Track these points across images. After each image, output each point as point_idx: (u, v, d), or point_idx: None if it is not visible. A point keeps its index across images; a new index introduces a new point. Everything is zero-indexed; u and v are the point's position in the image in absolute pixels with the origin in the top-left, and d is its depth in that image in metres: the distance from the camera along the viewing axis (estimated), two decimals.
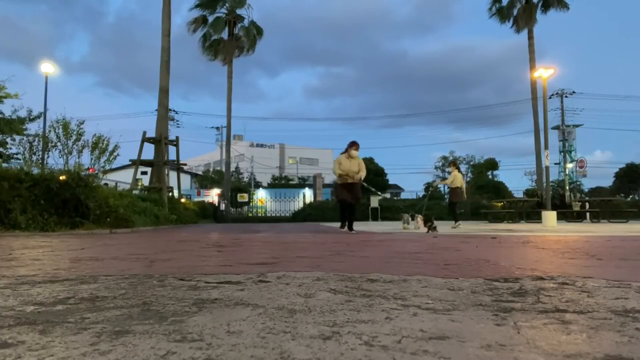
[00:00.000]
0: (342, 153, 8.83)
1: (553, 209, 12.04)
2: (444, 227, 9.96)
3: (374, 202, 23.74)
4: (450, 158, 50.37)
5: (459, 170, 11.60)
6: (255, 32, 26.88)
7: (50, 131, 12.01)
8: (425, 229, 7.93)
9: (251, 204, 29.51)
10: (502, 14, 25.18)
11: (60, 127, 11.79)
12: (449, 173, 11.53)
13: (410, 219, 9.33)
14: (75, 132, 12.08)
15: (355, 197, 8.56)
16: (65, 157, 11.81)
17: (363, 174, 8.78)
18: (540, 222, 12.04)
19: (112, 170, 14.24)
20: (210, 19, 26.73)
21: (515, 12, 24.74)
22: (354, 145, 8.76)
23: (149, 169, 16.13)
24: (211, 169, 55.02)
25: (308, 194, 29.66)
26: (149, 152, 15.69)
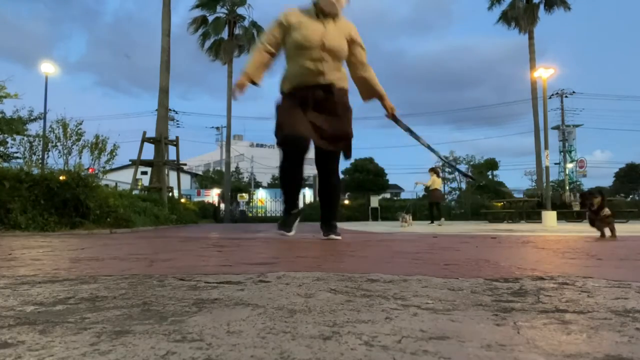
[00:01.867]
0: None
1: (553, 209, 12.04)
2: (436, 226, 9.97)
3: (374, 202, 23.72)
4: (451, 158, 50.56)
5: (438, 176, 13.48)
6: (255, 31, 26.87)
7: (50, 132, 12.03)
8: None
9: (251, 204, 29.50)
10: (506, 17, 25.13)
11: (60, 127, 11.81)
12: (437, 176, 13.38)
13: (405, 217, 10.00)
14: (74, 132, 12.10)
15: (336, 133, 3.49)
16: (65, 157, 11.83)
17: (376, 83, 3.76)
18: (540, 222, 12.03)
19: (112, 170, 14.24)
20: (210, 19, 26.73)
21: (516, 12, 24.71)
22: None
23: (149, 169, 16.15)
24: (211, 169, 55.00)
25: (308, 194, 29.65)
26: (149, 152, 15.70)
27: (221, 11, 26.91)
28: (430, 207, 13.51)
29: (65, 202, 7.12)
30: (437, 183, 13.32)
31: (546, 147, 12.76)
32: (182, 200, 18.82)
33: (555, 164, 36.55)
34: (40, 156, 12.07)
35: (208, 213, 23.48)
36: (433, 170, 13.38)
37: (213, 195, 30.86)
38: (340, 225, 11.19)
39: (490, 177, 45.18)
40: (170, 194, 16.03)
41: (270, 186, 41.31)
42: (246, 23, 27.03)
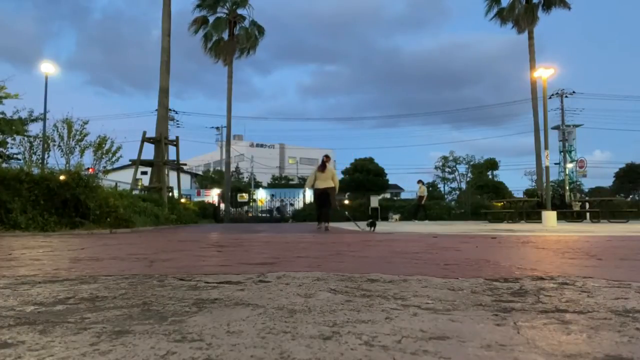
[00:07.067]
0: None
1: (553, 209, 12.04)
2: (436, 226, 9.98)
3: (374, 202, 23.80)
4: (451, 158, 50.83)
5: (423, 184, 20.07)
6: (256, 31, 26.87)
7: (53, 131, 12.04)
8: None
9: (251, 204, 29.51)
10: (502, 15, 25.06)
11: (65, 127, 11.81)
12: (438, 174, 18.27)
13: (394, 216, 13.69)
14: (79, 132, 12.11)
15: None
16: (66, 157, 11.84)
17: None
18: (540, 222, 12.03)
19: (112, 170, 14.25)
20: (211, 19, 26.72)
21: (516, 12, 24.65)
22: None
23: (149, 169, 16.14)
24: (211, 169, 55.02)
25: (308, 194, 29.64)
26: (149, 152, 15.69)
27: (222, 11, 26.90)
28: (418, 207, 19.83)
29: (65, 202, 7.12)
30: (422, 190, 19.85)
31: (546, 147, 12.75)
32: (182, 200, 18.81)
33: (555, 164, 36.50)
34: (40, 156, 12.06)
35: (208, 213, 23.47)
36: (421, 182, 19.83)
37: (213, 195, 30.85)
38: (340, 225, 11.15)
39: (490, 177, 45.14)
40: (170, 194, 16.02)
41: (270, 186, 41.32)
42: (247, 23, 27.04)
